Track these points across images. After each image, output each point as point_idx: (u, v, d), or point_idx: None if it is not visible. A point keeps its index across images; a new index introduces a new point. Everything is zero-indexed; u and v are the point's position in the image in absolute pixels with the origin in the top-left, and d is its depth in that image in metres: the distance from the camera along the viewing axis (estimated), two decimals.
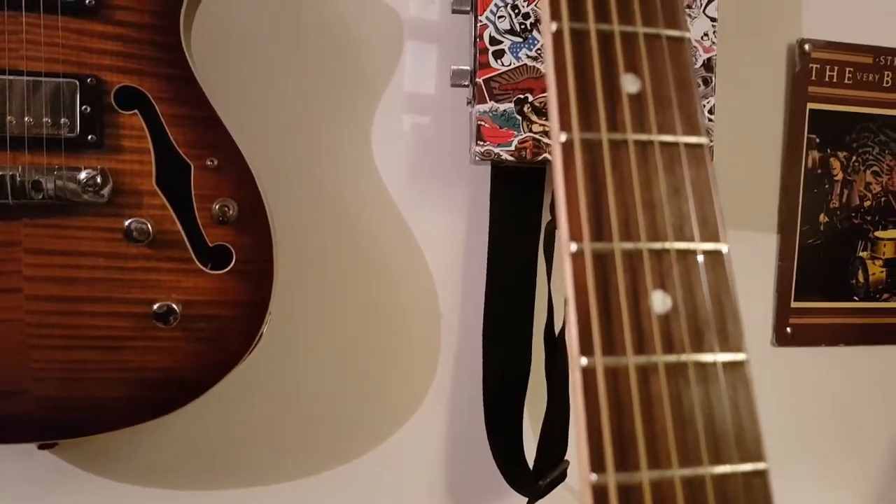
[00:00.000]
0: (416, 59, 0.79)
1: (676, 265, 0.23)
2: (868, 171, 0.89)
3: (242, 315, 0.62)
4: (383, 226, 0.79)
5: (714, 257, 0.23)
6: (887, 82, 0.87)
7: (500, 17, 0.70)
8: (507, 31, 0.70)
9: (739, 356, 0.23)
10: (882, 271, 0.91)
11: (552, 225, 0.75)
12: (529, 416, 0.81)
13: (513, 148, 0.71)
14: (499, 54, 0.70)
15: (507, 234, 0.77)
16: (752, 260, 0.87)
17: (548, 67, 0.23)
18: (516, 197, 0.77)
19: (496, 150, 0.71)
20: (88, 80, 0.59)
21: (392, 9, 0.77)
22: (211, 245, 0.61)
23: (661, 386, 0.21)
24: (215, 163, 0.61)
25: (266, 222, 0.63)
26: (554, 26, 0.24)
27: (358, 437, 0.80)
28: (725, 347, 0.23)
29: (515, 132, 0.71)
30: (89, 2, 0.58)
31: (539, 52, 0.71)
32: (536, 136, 0.71)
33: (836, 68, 0.86)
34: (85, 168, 0.59)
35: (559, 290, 0.77)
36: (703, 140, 0.23)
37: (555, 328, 0.76)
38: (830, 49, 0.85)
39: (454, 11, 0.72)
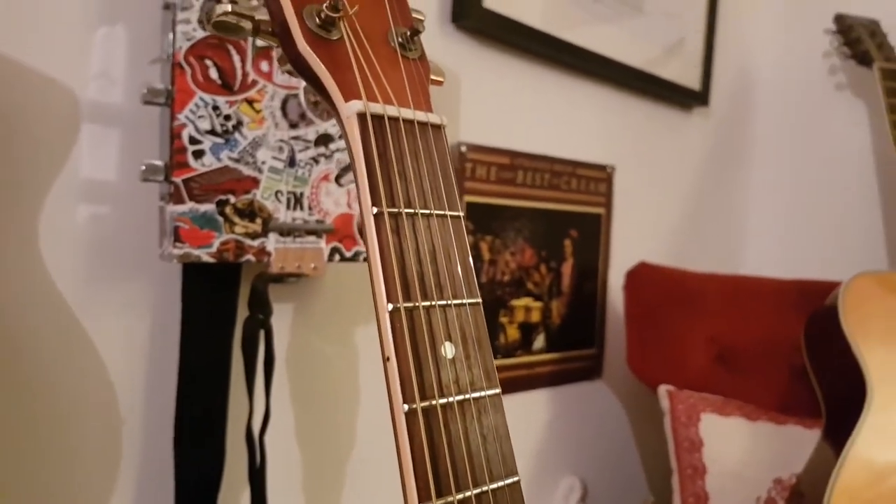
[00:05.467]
0: (96, 145, 0.71)
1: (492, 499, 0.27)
2: (507, 252, 1.07)
3: None
4: (51, 330, 0.69)
5: (512, 487, 0.29)
6: (520, 180, 1.06)
7: (200, 117, 0.68)
8: (207, 132, 0.69)
9: None
10: (517, 332, 1.10)
11: (251, 322, 0.75)
12: None
13: (214, 250, 0.69)
14: (199, 154, 0.68)
15: (201, 333, 0.74)
16: None
17: (386, 342, 0.26)
18: (212, 294, 0.75)
19: (196, 252, 0.68)
20: None
21: (66, 88, 0.69)
22: None
23: None
24: None
25: None
26: (391, 307, 0.27)
27: None
28: None
29: (217, 234, 0.69)
30: None
31: (241, 153, 0.70)
32: (239, 238, 0.70)
33: (485, 167, 1.01)
34: None
35: (260, 386, 0.77)
36: (498, 389, 0.29)
37: (253, 426, 0.76)
38: (480, 151, 1.01)
39: (146, 103, 0.68)
